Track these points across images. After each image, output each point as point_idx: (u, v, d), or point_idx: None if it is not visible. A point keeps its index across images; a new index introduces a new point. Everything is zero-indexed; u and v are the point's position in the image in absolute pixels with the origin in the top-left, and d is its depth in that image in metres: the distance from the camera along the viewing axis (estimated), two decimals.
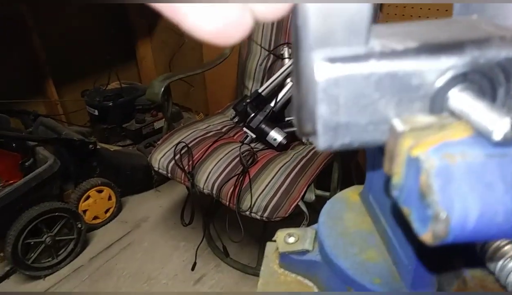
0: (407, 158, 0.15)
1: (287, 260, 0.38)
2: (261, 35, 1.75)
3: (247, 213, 1.29)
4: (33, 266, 1.57)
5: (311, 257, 0.37)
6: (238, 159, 1.39)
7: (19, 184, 1.50)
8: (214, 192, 1.35)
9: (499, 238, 0.14)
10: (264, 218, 1.29)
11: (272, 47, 1.74)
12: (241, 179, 1.33)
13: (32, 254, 1.55)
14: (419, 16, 1.67)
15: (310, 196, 1.34)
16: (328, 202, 0.41)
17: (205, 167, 1.40)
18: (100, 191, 1.81)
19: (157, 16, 2.02)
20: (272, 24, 1.74)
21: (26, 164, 1.66)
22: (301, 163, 1.38)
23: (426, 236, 0.14)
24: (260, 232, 1.56)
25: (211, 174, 1.37)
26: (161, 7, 0.14)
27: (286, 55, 1.72)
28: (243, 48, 1.81)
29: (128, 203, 2.00)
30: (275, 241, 0.39)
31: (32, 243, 1.53)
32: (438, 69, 0.15)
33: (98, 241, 1.80)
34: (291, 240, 0.38)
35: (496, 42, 0.15)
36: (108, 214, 1.88)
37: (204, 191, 1.37)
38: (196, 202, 1.49)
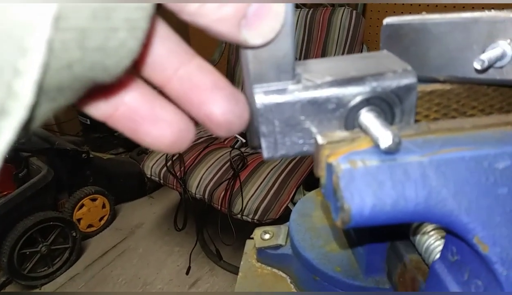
0: (326, 164, 0.20)
1: (263, 254, 0.43)
2: None
3: (239, 216, 1.34)
4: (29, 276, 1.59)
5: (284, 251, 0.42)
6: (228, 163, 1.44)
7: (13, 195, 1.53)
8: (206, 196, 1.39)
9: (391, 222, 0.19)
10: (255, 221, 1.33)
11: None
12: (232, 183, 1.38)
13: (28, 264, 1.58)
14: None
15: (299, 198, 1.39)
16: (299, 201, 0.45)
17: (197, 172, 1.44)
18: (94, 199, 1.84)
19: None
20: None
21: (20, 174, 1.69)
22: (290, 166, 1.43)
23: (338, 222, 0.19)
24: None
25: (202, 179, 1.41)
26: None
27: None
28: (232, 55, 1.86)
29: (122, 210, 2.03)
30: (253, 238, 0.44)
31: (27, 253, 1.56)
32: (347, 96, 0.20)
33: (93, 249, 1.83)
34: (267, 236, 0.43)
35: (389, 75, 0.20)
36: (102, 222, 1.91)
37: (196, 196, 1.42)
38: (188, 207, 1.53)
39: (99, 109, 0.18)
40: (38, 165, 1.68)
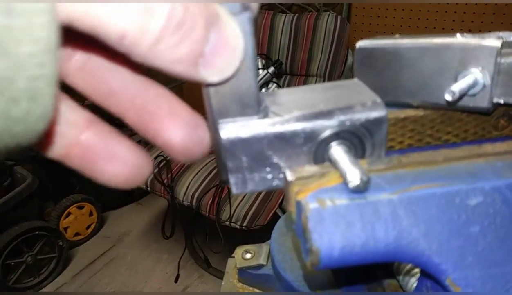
0: (295, 201, 0.19)
1: (245, 274, 0.42)
2: None
3: (227, 223, 1.33)
4: (15, 287, 1.56)
5: (265, 271, 0.41)
6: (216, 170, 1.43)
7: None
8: (193, 203, 1.38)
9: (361, 263, 0.18)
10: (243, 227, 1.32)
11: None
12: (219, 189, 1.37)
13: (13, 275, 1.55)
14: (384, 31, 1.74)
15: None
16: (280, 218, 0.45)
17: (184, 179, 1.43)
18: (80, 207, 1.81)
19: None
20: None
21: (4, 183, 1.65)
22: None
23: (308, 263, 0.18)
24: (241, 241, 1.59)
25: (190, 186, 1.40)
26: None
27: (259, 66, 1.77)
28: None
29: (109, 217, 2.00)
30: (234, 257, 0.43)
31: (12, 263, 1.53)
32: (316, 130, 0.19)
33: (80, 258, 1.80)
34: (248, 256, 0.42)
35: (358, 108, 0.19)
36: (89, 230, 1.88)
37: (184, 203, 1.40)
38: (176, 214, 1.51)
39: (53, 151, 0.17)
40: (22, 174, 1.65)
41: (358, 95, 0.20)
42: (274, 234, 0.43)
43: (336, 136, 0.19)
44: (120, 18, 0.13)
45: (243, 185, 0.20)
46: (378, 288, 0.31)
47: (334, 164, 0.19)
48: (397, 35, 0.26)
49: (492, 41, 0.21)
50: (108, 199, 1.95)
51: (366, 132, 0.19)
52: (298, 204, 0.18)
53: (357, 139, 0.20)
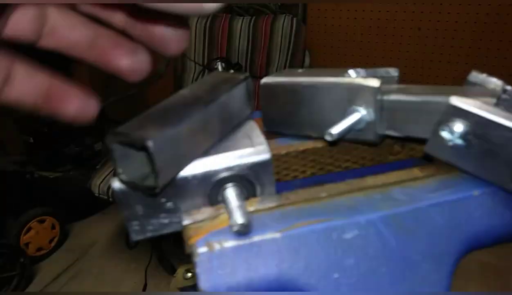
0: (190, 245, 0.20)
1: (186, 293, 0.43)
2: (194, 51, 1.79)
3: None
4: None
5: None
6: None
7: None
8: None
9: None
10: None
11: (206, 62, 1.78)
12: None
13: None
14: (339, 32, 1.78)
15: None
16: None
17: None
18: (42, 221, 1.76)
19: None
20: (204, 40, 1.78)
21: None
22: None
23: None
24: None
25: None
26: None
27: (220, 69, 1.77)
28: (178, 64, 1.84)
29: (73, 229, 1.95)
30: (175, 276, 0.44)
31: None
32: (207, 174, 0.20)
33: (45, 273, 1.74)
34: (189, 275, 0.43)
35: (245, 153, 0.20)
36: (53, 244, 1.82)
37: None
38: None
39: None
40: None
41: (248, 140, 0.22)
42: None
43: (227, 179, 0.21)
44: None
45: (142, 231, 0.21)
46: None
47: (226, 205, 0.20)
48: (299, 70, 0.28)
49: (372, 81, 0.23)
50: (71, 210, 1.90)
51: (253, 174, 0.21)
52: (190, 248, 0.20)
53: (246, 181, 0.21)
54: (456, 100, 0.20)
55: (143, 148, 0.17)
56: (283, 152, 0.26)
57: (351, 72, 0.26)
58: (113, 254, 1.82)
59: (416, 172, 0.23)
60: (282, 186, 0.27)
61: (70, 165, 2.15)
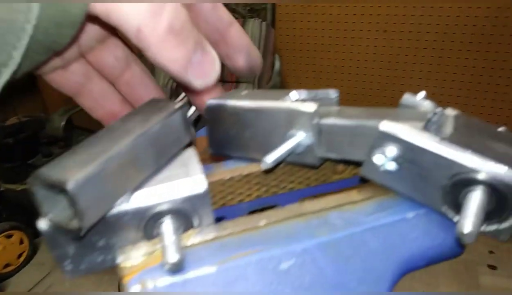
0: (123, 284, 0.20)
1: None
2: None
3: None
4: None
5: None
6: None
7: None
8: None
9: None
10: None
11: None
12: None
13: None
14: (308, 35, 1.80)
15: None
16: None
17: None
18: (9, 236, 1.69)
19: None
20: None
21: None
22: None
23: None
24: None
25: None
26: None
27: None
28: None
29: (44, 242, 1.89)
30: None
31: None
32: (141, 209, 0.20)
33: (14, 289, 1.68)
34: None
35: (181, 186, 0.20)
36: (21, 259, 1.76)
37: None
38: None
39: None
40: None
41: (184, 170, 0.21)
42: None
43: (162, 213, 0.20)
44: (137, 16, 0.20)
45: (76, 270, 0.20)
46: None
47: (162, 239, 0.20)
48: (243, 92, 0.28)
49: (308, 106, 0.23)
50: None
51: (190, 207, 0.21)
52: (123, 287, 0.19)
53: (183, 213, 0.21)
54: (386, 126, 0.21)
55: (64, 191, 0.16)
56: (228, 176, 0.26)
57: (293, 94, 0.26)
58: None
59: (354, 194, 0.23)
60: (228, 211, 0.27)
61: None
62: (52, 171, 0.17)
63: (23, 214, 1.77)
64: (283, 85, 1.76)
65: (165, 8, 0.20)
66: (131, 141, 0.19)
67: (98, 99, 0.29)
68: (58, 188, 0.16)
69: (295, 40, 1.84)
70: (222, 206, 0.27)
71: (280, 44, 1.84)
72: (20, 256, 1.75)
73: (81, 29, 0.23)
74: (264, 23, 1.58)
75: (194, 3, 0.26)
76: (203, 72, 0.23)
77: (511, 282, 1.57)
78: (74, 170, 0.17)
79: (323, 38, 1.79)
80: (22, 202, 1.79)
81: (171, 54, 0.21)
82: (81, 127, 1.91)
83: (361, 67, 1.78)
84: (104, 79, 0.29)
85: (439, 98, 1.72)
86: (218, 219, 0.28)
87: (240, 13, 1.74)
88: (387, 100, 1.80)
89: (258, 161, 0.27)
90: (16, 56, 0.18)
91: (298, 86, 1.91)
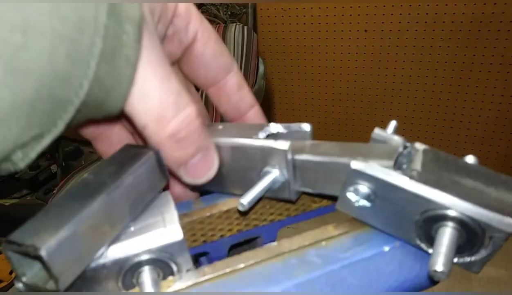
0: None
1: None
2: None
3: None
4: None
5: None
6: None
7: None
8: None
9: None
10: None
11: None
12: None
13: None
14: (290, 38, 1.80)
15: None
16: None
17: None
18: (0, 252, 1.66)
19: None
20: None
21: None
22: None
23: None
24: None
25: None
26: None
27: None
28: None
29: None
30: None
31: None
32: (118, 263, 0.20)
33: None
34: None
35: (157, 237, 0.20)
36: (13, 275, 1.73)
37: None
38: None
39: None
40: None
41: (160, 218, 0.21)
42: None
43: (140, 263, 0.20)
44: (145, 116, 0.21)
45: None
46: None
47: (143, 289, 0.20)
48: (220, 127, 0.28)
49: (282, 144, 0.23)
50: None
51: (167, 256, 0.21)
52: None
53: (161, 262, 0.21)
54: (357, 164, 0.21)
55: (38, 256, 0.16)
56: (207, 214, 0.26)
57: (267, 129, 0.26)
58: None
59: (330, 229, 0.23)
60: (210, 246, 0.27)
61: (26, 189, 2.06)
62: (25, 235, 0.17)
63: (13, 229, 1.74)
64: (267, 88, 1.76)
65: (178, 115, 0.21)
66: (104, 198, 0.19)
67: (115, 145, 0.28)
68: (32, 255, 0.16)
69: (277, 43, 1.85)
70: (203, 243, 0.27)
71: (263, 48, 1.84)
72: (12, 272, 1.72)
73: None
74: (245, 27, 1.58)
75: (222, 82, 0.28)
76: (195, 173, 0.24)
77: (501, 272, 1.60)
78: (47, 235, 0.17)
79: (305, 39, 1.80)
80: (12, 217, 1.76)
81: (168, 153, 0.23)
82: (68, 138, 1.88)
83: (344, 67, 1.79)
84: (124, 129, 0.29)
85: (422, 95, 1.74)
86: (201, 254, 0.28)
87: (221, 18, 1.74)
88: (372, 99, 1.81)
89: (237, 195, 0.27)
90: (60, 125, 0.19)
91: (283, 88, 1.92)
